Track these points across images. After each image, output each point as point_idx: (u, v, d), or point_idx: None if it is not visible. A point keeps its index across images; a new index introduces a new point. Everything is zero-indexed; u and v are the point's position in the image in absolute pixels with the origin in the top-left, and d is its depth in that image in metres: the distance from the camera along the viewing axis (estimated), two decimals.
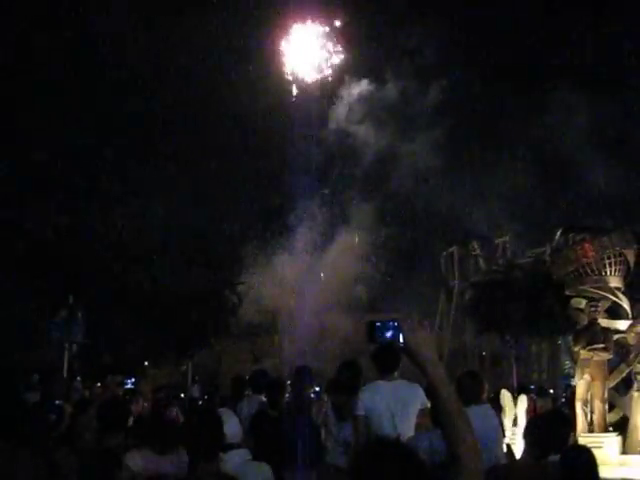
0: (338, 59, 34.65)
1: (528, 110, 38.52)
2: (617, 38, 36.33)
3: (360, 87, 35.41)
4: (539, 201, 36.94)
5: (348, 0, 34.79)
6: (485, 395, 5.52)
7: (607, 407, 11.64)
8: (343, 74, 34.95)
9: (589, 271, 11.99)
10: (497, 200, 35.42)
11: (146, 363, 34.78)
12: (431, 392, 2.44)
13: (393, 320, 2.47)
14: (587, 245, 11.89)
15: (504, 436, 8.63)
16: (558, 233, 13.16)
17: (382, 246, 33.93)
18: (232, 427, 5.48)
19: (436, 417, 2.43)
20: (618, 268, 11.96)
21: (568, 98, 32.45)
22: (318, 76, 34.83)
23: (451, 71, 35.11)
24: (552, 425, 4.58)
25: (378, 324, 2.49)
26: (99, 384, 15.21)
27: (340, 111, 35.26)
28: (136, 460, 4.90)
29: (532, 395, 17.08)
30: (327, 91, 34.62)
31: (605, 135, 34.51)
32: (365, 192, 34.06)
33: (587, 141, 32.82)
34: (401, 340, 2.44)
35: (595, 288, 11.90)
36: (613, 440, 11.22)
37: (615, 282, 12.00)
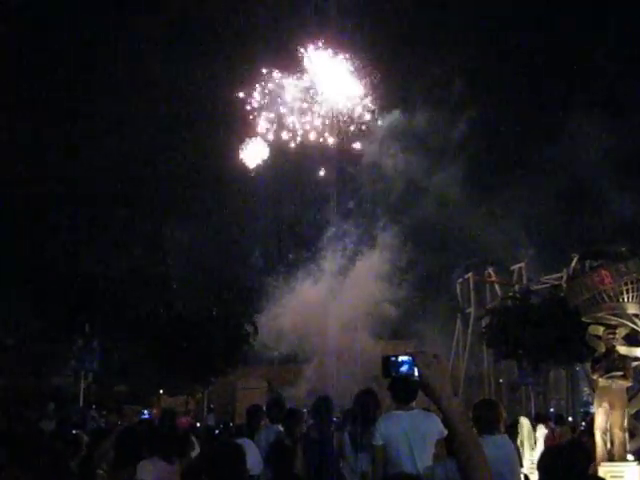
0: (368, 93, 35.41)
1: (546, 137, 38.69)
2: (636, 64, 36.49)
3: (391, 118, 36.05)
4: (555, 227, 36.89)
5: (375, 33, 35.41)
6: (502, 424, 5.48)
7: (627, 435, 11.48)
8: (374, 107, 35.65)
9: (606, 298, 11.88)
10: (514, 226, 35.46)
11: (161, 391, 34.78)
12: (446, 424, 2.47)
13: (408, 354, 2.50)
14: (604, 272, 11.80)
15: (522, 466, 8.54)
16: (574, 259, 13.08)
17: (405, 271, 34.16)
18: (252, 458, 5.48)
19: (451, 448, 2.45)
20: (636, 294, 11.85)
21: (586, 124, 32.53)
22: (350, 108, 35.55)
23: (474, 101, 35.45)
24: (570, 456, 4.53)
25: (393, 359, 2.53)
26: (116, 413, 15.23)
27: (371, 142, 35.96)
28: (148, 470, 4.93)
29: (551, 423, 16.93)
30: (359, 123, 35.28)
31: (622, 161, 34.50)
32: (391, 218, 34.49)
33: (604, 167, 32.83)
34: (416, 374, 2.47)
35: (612, 315, 11.78)
36: (634, 469, 11.05)
37: (633, 309, 11.89)
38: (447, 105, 35.75)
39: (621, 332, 11.72)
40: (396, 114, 36.60)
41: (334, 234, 35.82)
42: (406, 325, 36.69)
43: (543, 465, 4.58)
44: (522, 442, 13.17)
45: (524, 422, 14.30)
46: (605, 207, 34.18)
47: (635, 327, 11.77)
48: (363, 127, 36.46)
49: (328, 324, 32.08)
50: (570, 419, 25.64)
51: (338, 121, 36.21)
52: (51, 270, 23.03)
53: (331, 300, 33.51)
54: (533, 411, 23.67)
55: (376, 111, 36.46)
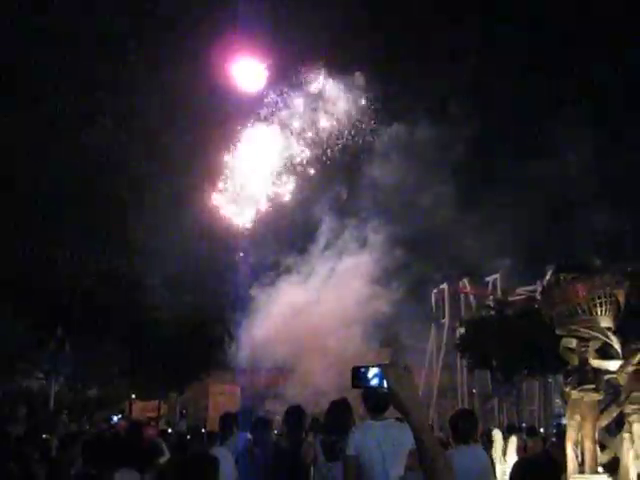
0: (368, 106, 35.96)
1: (529, 152, 39.31)
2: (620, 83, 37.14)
3: (390, 130, 36.62)
4: (531, 240, 37.26)
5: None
6: (478, 434, 5.49)
7: (598, 448, 11.54)
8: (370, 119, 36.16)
9: (580, 311, 11.94)
10: (490, 238, 35.75)
11: (134, 396, 34.49)
12: (414, 436, 2.47)
13: (377, 366, 2.50)
14: (578, 285, 11.87)
15: (495, 476, 8.57)
16: (549, 272, 13.16)
17: (392, 276, 34.48)
18: (227, 467, 5.43)
19: (419, 459, 2.47)
20: (609, 308, 11.91)
21: (568, 140, 32.95)
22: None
23: (464, 117, 35.98)
24: (541, 468, 4.54)
25: (362, 370, 2.53)
26: (86, 419, 15.07)
27: (371, 153, 36.53)
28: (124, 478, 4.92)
29: (522, 435, 16.99)
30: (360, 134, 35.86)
31: (602, 176, 35.00)
32: (383, 221, 34.88)
33: (583, 182, 33.22)
34: (385, 385, 2.46)
35: (586, 328, 11.84)
36: None
37: (606, 322, 11.95)
38: (441, 119, 36.29)
39: (594, 345, 11.80)
40: (395, 127, 37.13)
41: (325, 235, 36.12)
42: (387, 331, 36.86)
43: (514, 477, 4.58)
44: (495, 452, 13.21)
45: (497, 433, 14.35)
46: (583, 221, 34.60)
47: (608, 340, 11.85)
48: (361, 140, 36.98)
49: (316, 329, 32.11)
50: (542, 430, 25.78)
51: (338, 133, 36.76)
52: (22, 273, 22.79)
53: (317, 304, 33.63)
54: (505, 422, 23.79)
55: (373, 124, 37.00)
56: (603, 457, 11.83)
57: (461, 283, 43.75)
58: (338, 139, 36.74)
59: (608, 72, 38.77)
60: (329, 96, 36.52)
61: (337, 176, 37.50)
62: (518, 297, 35.22)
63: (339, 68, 35.92)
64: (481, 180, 40.01)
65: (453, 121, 36.48)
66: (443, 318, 44.26)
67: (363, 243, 35.91)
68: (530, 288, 34.26)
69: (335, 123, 36.77)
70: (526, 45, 40.97)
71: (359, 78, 36.12)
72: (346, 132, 36.79)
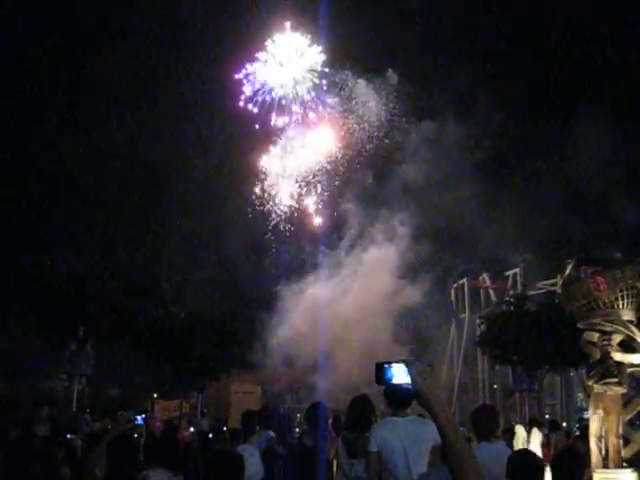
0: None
1: (551, 143, 39.20)
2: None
3: (420, 127, 36.92)
4: (553, 233, 37.01)
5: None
6: (500, 430, 5.47)
7: (622, 442, 11.46)
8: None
9: (601, 304, 11.88)
10: (511, 231, 35.59)
11: (155, 395, 34.64)
12: (439, 433, 2.47)
13: (401, 361, 2.49)
14: (599, 278, 11.80)
15: None
16: (570, 266, 13.08)
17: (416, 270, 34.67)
18: (254, 464, 5.44)
19: (444, 455, 2.46)
20: (631, 301, 11.85)
21: (587, 130, 32.73)
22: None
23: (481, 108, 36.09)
24: (567, 463, 4.52)
25: (386, 366, 2.51)
26: (109, 419, 15.13)
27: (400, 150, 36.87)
28: (156, 478, 4.94)
29: (545, 429, 16.91)
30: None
31: (622, 169, 34.72)
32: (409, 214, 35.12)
33: (603, 175, 32.97)
34: (409, 382, 2.45)
35: (607, 321, 11.78)
36: (628, 476, 11.03)
37: (628, 315, 11.88)
38: (467, 115, 36.41)
39: (616, 339, 11.72)
40: (424, 124, 37.35)
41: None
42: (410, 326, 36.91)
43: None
44: (518, 448, 13.15)
45: (519, 429, 14.30)
46: (605, 214, 34.35)
47: (630, 333, 11.77)
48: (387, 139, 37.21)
49: (343, 324, 32.28)
50: (564, 425, 25.62)
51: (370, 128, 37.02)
52: (43, 274, 22.95)
53: (343, 299, 33.86)
54: (527, 417, 23.66)
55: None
56: (627, 451, 11.76)
57: (481, 278, 43.52)
58: (369, 137, 36.97)
59: (628, 63, 38.40)
60: (360, 94, 36.76)
61: (367, 172, 37.71)
62: (538, 291, 35.01)
63: (369, 66, 36.14)
64: (503, 175, 39.93)
65: (479, 117, 36.47)
66: (463, 313, 44.05)
67: (390, 236, 36.12)
68: (550, 282, 34.06)
69: (365, 120, 36.98)
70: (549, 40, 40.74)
71: (392, 76, 36.38)
72: (376, 130, 37.03)
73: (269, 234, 36.47)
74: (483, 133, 36.52)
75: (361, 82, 36.59)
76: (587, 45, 39.67)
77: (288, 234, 36.58)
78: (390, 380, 2.52)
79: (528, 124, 40.19)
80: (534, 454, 4.53)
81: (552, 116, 40.71)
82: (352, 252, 36.46)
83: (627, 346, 11.84)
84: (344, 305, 33.72)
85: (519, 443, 13.57)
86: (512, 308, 28.95)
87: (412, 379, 2.46)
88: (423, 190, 35.60)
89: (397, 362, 2.51)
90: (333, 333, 31.48)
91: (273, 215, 36.69)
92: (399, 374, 2.49)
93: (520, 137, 40.05)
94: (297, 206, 37.02)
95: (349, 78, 36.39)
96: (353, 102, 36.97)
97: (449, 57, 37.75)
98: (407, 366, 2.48)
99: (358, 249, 36.48)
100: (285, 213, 36.99)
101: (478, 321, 34.26)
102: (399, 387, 2.53)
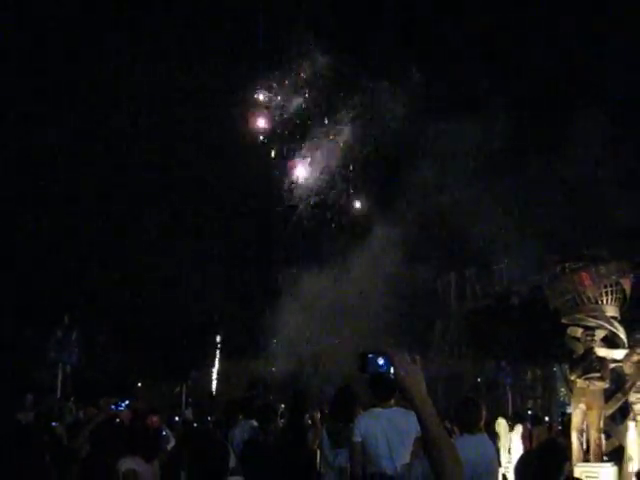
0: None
1: (550, 140, 39.37)
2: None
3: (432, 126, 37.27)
4: (538, 229, 37.16)
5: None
6: (483, 423, 5.50)
7: (603, 436, 11.58)
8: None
9: (585, 300, 11.97)
10: (495, 227, 35.67)
11: (139, 384, 34.62)
12: (420, 424, 2.50)
13: (385, 352, 2.51)
14: (584, 274, 11.89)
15: (500, 465, 8.59)
16: (555, 262, 13.15)
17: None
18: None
19: (425, 447, 2.49)
20: (615, 297, 11.95)
21: (590, 128, 32.88)
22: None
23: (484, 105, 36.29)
24: (547, 456, 4.56)
25: (370, 356, 2.55)
26: (93, 407, 15.05)
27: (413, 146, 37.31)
28: (131, 465, 5.00)
29: (527, 423, 17.03)
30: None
31: (614, 168, 34.87)
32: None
33: (595, 173, 33.11)
34: (392, 372, 2.48)
35: (591, 317, 11.88)
36: (609, 470, 11.15)
37: (612, 311, 11.98)
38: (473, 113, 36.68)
39: (599, 334, 11.82)
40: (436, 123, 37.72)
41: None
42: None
43: (523, 465, 4.61)
44: (499, 441, 13.26)
45: (501, 422, 14.40)
46: (594, 211, 34.51)
47: (613, 329, 11.87)
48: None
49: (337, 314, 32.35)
50: (546, 419, 25.80)
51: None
52: (28, 261, 22.89)
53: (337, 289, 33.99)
54: (510, 411, 23.83)
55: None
56: (608, 446, 11.88)
57: (467, 272, 43.74)
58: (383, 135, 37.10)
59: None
60: (379, 94, 36.87)
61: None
62: (524, 287, 35.21)
63: (388, 66, 36.21)
64: (496, 171, 40.14)
65: (484, 115, 36.72)
66: (449, 307, 44.25)
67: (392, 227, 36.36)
68: (536, 278, 34.22)
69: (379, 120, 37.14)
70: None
71: (415, 75, 36.54)
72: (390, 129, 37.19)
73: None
74: (487, 131, 36.73)
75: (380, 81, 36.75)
76: (587, 43, 39.81)
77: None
78: (373, 370, 2.54)
79: (532, 116, 40.41)
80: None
81: (558, 108, 40.88)
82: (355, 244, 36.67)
83: (610, 342, 11.96)
84: (338, 295, 33.84)
85: (501, 436, 13.66)
86: (497, 302, 29.13)
87: (394, 370, 2.49)
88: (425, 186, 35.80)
89: (381, 352, 2.53)
90: (324, 323, 31.52)
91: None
92: (382, 364, 2.52)
93: (524, 135, 40.28)
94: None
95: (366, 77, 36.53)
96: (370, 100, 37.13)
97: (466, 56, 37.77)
98: (390, 357, 2.50)
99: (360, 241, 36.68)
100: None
101: (462, 314, 34.48)
102: (382, 377, 2.56)
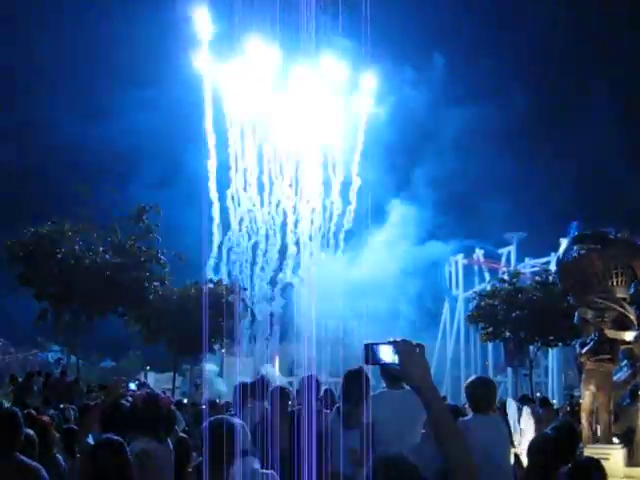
0: None
1: (565, 122, 39.41)
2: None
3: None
4: (546, 211, 37.15)
5: None
6: (495, 403, 5.47)
7: (612, 418, 11.55)
8: None
9: (595, 282, 11.92)
10: (503, 210, 35.66)
11: (148, 368, 34.79)
12: (427, 413, 2.53)
13: (390, 342, 2.50)
14: (594, 255, 11.83)
15: (514, 446, 8.57)
16: (564, 243, 13.09)
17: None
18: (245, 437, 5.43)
19: (432, 429, 2.52)
20: (624, 279, 11.90)
21: (606, 110, 32.81)
22: None
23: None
24: (564, 439, 4.52)
25: (375, 346, 2.53)
26: (102, 390, 15.12)
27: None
28: (144, 446, 4.99)
29: (535, 405, 16.99)
30: None
31: (627, 147, 34.82)
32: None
33: (605, 156, 33.02)
34: (397, 362, 2.48)
35: (601, 298, 11.83)
36: (618, 452, 11.12)
37: (621, 293, 11.93)
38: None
39: (610, 316, 11.77)
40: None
41: None
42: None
43: (537, 445, 4.57)
44: (509, 422, 13.23)
45: (512, 403, 14.38)
46: (609, 192, 34.48)
47: (623, 311, 11.82)
48: None
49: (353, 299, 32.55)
50: (554, 401, 25.82)
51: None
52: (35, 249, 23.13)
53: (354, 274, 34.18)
54: (519, 393, 23.83)
55: None
56: (618, 427, 11.85)
57: (475, 255, 43.68)
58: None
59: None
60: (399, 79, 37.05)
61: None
62: (532, 269, 35.15)
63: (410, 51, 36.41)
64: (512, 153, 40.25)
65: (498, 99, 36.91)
66: (457, 290, 44.26)
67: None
68: (544, 260, 34.18)
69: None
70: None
71: (438, 58, 36.76)
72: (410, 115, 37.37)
73: None
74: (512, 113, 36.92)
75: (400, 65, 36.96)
76: (604, 25, 39.73)
77: None
78: (379, 360, 2.54)
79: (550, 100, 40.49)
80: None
81: (573, 91, 40.79)
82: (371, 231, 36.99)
83: (620, 323, 11.90)
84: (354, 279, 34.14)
85: (510, 417, 13.63)
86: (505, 285, 29.06)
87: (399, 360, 2.48)
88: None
89: (385, 343, 2.52)
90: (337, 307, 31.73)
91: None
92: (387, 354, 2.51)
93: (533, 117, 40.34)
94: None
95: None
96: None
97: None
98: (394, 347, 2.49)
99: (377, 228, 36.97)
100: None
101: (470, 296, 34.46)
102: (387, 367, 2.57)
